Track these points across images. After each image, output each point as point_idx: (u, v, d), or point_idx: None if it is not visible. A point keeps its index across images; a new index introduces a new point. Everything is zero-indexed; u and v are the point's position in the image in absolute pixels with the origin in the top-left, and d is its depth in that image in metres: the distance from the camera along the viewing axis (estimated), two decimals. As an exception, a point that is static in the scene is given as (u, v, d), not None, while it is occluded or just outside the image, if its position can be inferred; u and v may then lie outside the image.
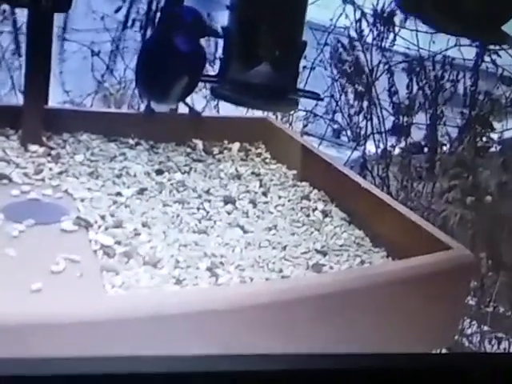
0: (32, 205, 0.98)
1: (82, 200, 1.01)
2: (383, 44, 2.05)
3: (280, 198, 1.14)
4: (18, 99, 1.19)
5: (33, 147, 1.14)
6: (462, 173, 1.68)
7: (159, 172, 1.15)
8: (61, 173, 1.08)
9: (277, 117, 1.55)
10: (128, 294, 0.80)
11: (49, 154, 1.13)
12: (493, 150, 1.91)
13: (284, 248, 0.98)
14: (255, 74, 1.16)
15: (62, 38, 1.80)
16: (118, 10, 1.83)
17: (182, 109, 1.33)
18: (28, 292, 0.77)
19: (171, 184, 1.11)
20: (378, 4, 2.11)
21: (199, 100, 1.58)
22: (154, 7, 1.77)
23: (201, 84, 1.29)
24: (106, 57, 1.86)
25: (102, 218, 0.96)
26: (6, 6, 1.70)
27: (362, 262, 0.98)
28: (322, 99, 1.42)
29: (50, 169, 1.09)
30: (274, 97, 1.19)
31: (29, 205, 0.97)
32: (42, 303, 0.73)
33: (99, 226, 0.94)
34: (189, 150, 1.27)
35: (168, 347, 0.70)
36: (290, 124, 1.90)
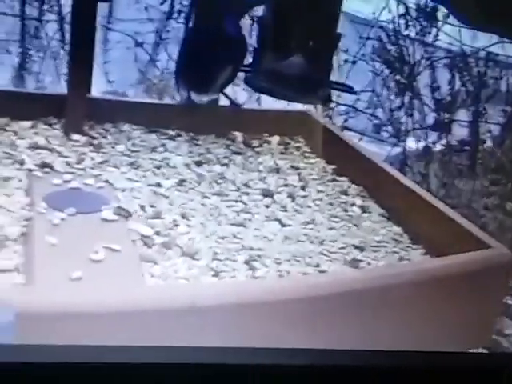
0: (73, 194, 0.99)
1: (123, 190, 1.02)
2: (426, 39, 2.04)
3: (318, 192, 1.14)
4: (62, 88, 1.21)
5: (75, 136, 1.15)
6: (500, 180, 1.66)
7: (199, 164, 1.16)
8: (102, 162, 1.09)
9: (317, 110, 1.55)
10: (166, 285, 0.81)
11: (91, 144, 1.15)
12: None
13: (321, 242, 0.98)
14: (288, 65, 1.16)
15: (106, 27, 1.81)
16: (163, 2, 1.83)
17: (222, 101, 1.34)
18: (68, 280, 0.78)
19: (210, 176, 1.12)
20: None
21: (240, 92, 1.59)
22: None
23: (241, 75, 1.30)
24: (149, 47, 1.87)
25: (142, 208, 0.97)
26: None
27: (400, 259, 0.98)
28: (354, 92, 1.42)
29: (92, 158, 1.10)
30: (305, 88, 1.19)
31: (70, 194, 0.99)
32: (82, 292, 0.74)
33: (139, 216, 0.95)
34: (228, 142, 1.28)
35: (203, 338, 0.71)
36: (330, 118, 1.89)
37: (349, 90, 1.32)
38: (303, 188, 1.14)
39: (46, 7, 1.76)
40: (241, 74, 1.28)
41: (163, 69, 1.87)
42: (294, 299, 0.76)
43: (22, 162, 1.04)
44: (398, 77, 1.97)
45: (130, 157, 1.13)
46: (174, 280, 0.82)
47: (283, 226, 1.01)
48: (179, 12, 1.80)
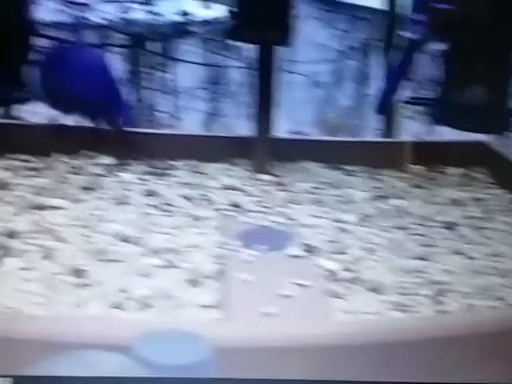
0: (262, 231, 1.04)
1: (308, 226, 1.06)
2: None
3: (503, 223, 1.13)
4: (249, 130, 1.27)
5: (262, 176, 1.21)
6: None
7: (380, 198, 1.18)
8: (287, 200, 1.14)
9: (495, 140, 1.53)
10: (354, 320, 0.84)
11: (276, 183, 1.20)
12: None
13: (509, 275, 0.96)
14: (470, 97, 1.16)
15: (287, 70, 1.87)
16: (338, 41, 1.88)
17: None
18: (261, 315, 0.82)
19: (391, 210, 1.14)
20: None
21: (416, 125, 1.60)
22: (373, 35, 1.80)
23: (419, 108, 1.31)
24: (328, 86, 1.92)
25: (327, 243, 1.01)
26: (235, 43, 1.81)
27: None
28: None
29: (278, 196, 1.15)
30: (487, 118, 1.18)
31: (260, 231, 1.04)
32: (275, 326, 0.78)
33: (325, 252, 0.99)
34: (408, 175, 1.29)
35: (394, 373, 0.72)
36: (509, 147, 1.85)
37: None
38: (487, 219, 1.13)
39: (231, 54, 1.85)
40: (420, 108, 1.30)
41: (342, 106, 1.91)
42: (484, 334, 0.77)
43: (215, 203, 1.10)
44: None
45: (313, 194, 1.18)
46: (361, 315, 0.85)
47: (468, 258, 1.01)
48: (353, 49, 1.84)
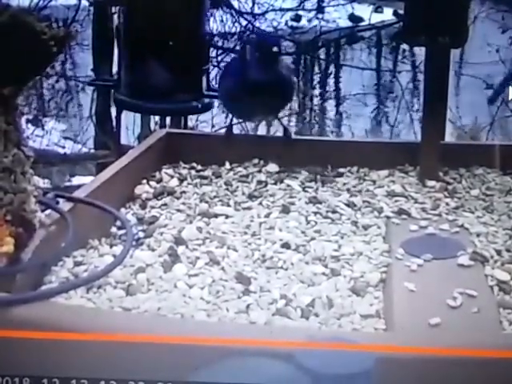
0: (429, 239, 1.02)
1: (478, 235, 1.02)
2: None
3: None
4: (416, 136, 1.25)
5: (430, 182, 1.18)
6: None
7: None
8: (457, 207, 1.11)
9: None
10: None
11: (445, 189, 1.17)
12: None
13: None
14: None
15: (458, 72, 1.83)
16: None
17: None
18: (427, 326, 0.80)
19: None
20: None
21: None
22: None
23: None
24: (501, 89, 1.85)
25: (498, 253, 0.97)
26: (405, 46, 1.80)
27: None
28: None
29: (447, 204, 1.12)
30: None
31: (426, 239, 1.02)
32: (439, 337, 0.76)
33: (495, 261, 0.95)
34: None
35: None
36: None
37: None
38: None
39: (400, 58, 1.83)
40: None
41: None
42: None
43: (380, 210, 1.09)
44: None
45: (484, 201, 1.13)
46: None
47: None
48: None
